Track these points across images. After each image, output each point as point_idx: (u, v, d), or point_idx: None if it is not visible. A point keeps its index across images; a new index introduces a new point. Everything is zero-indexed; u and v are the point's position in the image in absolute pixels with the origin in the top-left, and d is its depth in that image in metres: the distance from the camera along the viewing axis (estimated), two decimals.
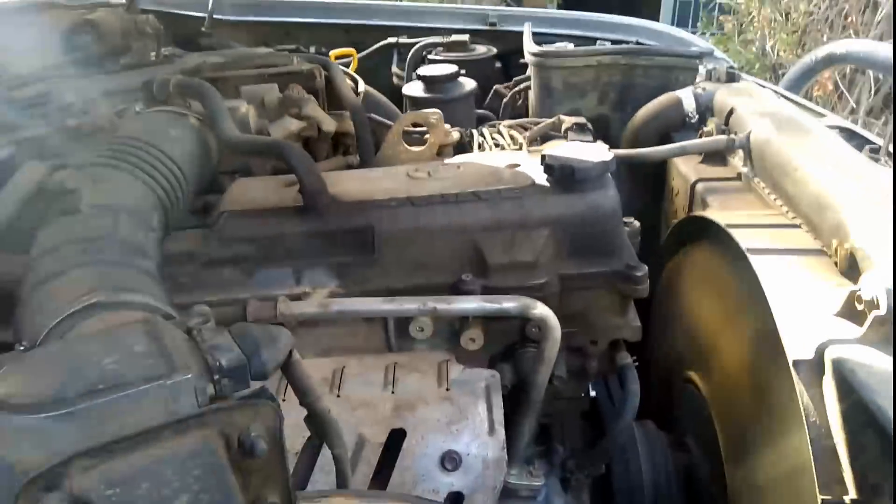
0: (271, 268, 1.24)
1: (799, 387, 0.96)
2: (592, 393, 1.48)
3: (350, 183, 1.33)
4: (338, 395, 1.14)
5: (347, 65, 2.37)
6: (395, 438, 1.09)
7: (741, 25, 5.72)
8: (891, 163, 1.46)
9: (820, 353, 0.95)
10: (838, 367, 0.91)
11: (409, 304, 1.16)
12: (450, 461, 1.08)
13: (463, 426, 1.11)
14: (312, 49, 2.20)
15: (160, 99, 1.49)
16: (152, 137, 1.26)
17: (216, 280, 1.22)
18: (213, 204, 1.33)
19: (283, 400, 1.06)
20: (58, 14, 2.01)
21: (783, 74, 4.75)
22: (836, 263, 1.15)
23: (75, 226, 1.02)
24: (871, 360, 0.90)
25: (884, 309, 0.93)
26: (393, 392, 1.14)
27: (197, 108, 1.47)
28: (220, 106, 1.41)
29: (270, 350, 0.66)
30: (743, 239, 1.25)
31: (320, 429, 0.80)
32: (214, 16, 2.32)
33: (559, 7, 6.93)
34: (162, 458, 0.56)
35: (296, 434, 0.96)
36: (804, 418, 0.95)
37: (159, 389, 0.58)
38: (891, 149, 1.51)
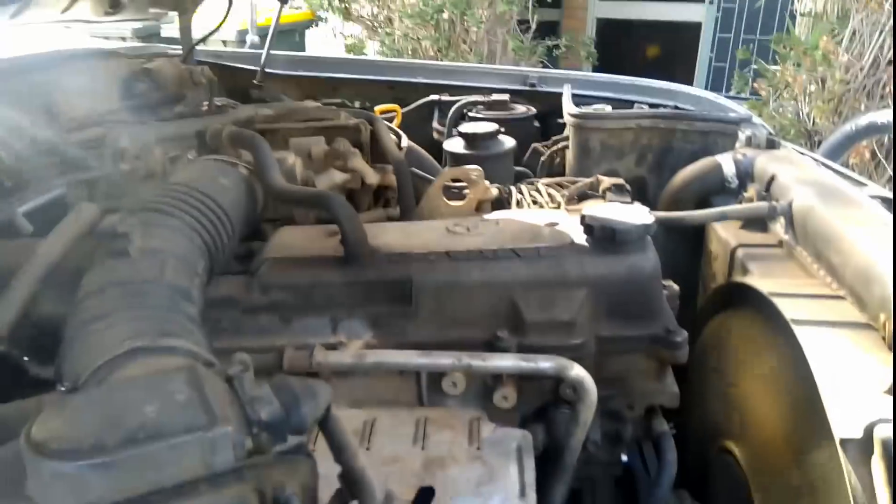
0: (309, 316, 1.25)
1: (846, 466, 0.92)
2: (625, 459, 1.44)
3: (390, 235, 1.35)
4: (367, 448, 1.13)
5: (391, 120, 2.42)
6: (424, 496, 1.07)
7: (776, 92, 5.71)
8: None
9: (868, 433, 0.92)
10: (888, 447, 0.88)
11: (443, 359, 1.16)
12: None
13: (493, 488, 1.08)
14: (357, 104, 2.25)
15: (212, 148, 1.53)
16: (203, 185, 1.29)
17: (255, 326, 1.24)
18: (257, 251, 1.35)
19: (314, 450, 1.06)
20: (118, 62, 2.10)
21: (819, 141, 4.71)
22: (883, 338, 1.12)
23: (123, 269, 1.03)
24: None
25: None
26: (423, 448, 1.13)
27: (247, 157, 1.51)
28: (269, 157, 1.44)
29: (310, 405, 0.66)
30: (786, 308, 1.23)
31: (354, 487, 0.78)
32: (266, 69, 2.40)
33: (594, 69, 7.03)
34: None
35: (323, 486, 0.95)
36: (851, 499, 0.91)
37: (199, 441, 0.58)
38: None
